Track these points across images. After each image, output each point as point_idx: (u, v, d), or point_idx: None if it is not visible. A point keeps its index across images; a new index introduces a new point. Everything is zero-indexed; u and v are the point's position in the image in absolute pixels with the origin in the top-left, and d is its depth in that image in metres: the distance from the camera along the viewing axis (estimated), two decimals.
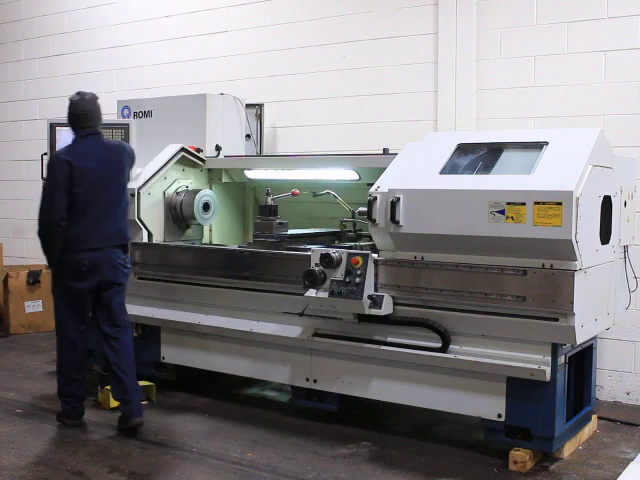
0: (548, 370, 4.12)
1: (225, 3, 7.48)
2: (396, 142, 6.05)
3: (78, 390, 5.01)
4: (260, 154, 6.73)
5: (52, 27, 8.86)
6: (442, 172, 4.42)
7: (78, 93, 4.89)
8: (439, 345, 4.42)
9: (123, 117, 6.36)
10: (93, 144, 4.86)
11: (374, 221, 4.49)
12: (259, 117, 6.79)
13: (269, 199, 5.35)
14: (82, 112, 4.81)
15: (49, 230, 4.77)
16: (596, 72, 5.63)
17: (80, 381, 5.01)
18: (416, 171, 4.54)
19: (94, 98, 4.89)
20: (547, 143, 4.29)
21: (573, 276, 3.94)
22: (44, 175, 5.04)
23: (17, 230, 9.08)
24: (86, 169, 4.75)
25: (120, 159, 4.93)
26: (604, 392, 5.69)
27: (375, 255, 4.55)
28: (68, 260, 4.79)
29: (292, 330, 4.95)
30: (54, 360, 6.79)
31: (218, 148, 6.13)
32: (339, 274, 4.53)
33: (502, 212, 4.05)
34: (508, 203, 4.03)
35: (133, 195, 5.45)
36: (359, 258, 4.49)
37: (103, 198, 4.80)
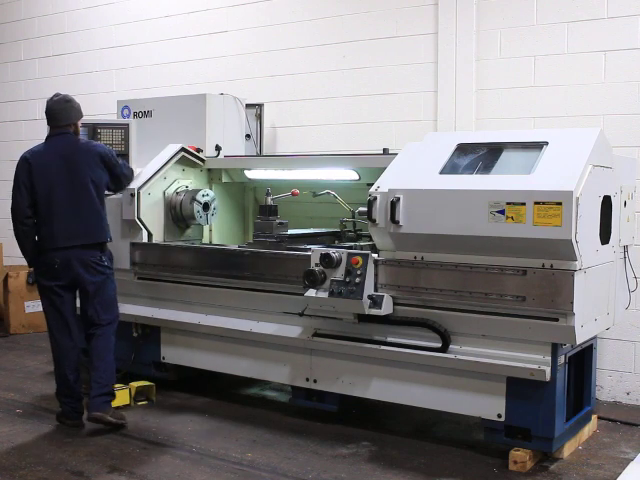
0: (548, 370, 4.12)
1: (225, 3, 7.47)
2: (396, 142, 6.05)
3: (74, 390, 5.01)
4: (260, 154, 6.73)
5: (52, 27, 8.86)
6: (442, 172, 4.42)
7: (55, 94, 5.04)
8: (439, 345, 4.42)
9: (123, 117, 6.36)
10: (57, 143, 4.94)
11: (374, 221, 4.48)
12: (259, 117, 6.79)
13: (269, 199, 5.35)
14: (47, 112, 4.97)
15: (16, 229, 4.93)
16: (596, 72, 5.62)
17: (74, 380, 5.00)
18: (416, 171, 4.54)
19: (63, 99, 4.99)
20: (547, 143, 4.29)
21: (573, 276, 3.94)
22: None
23: None
24: (44, 168, 4.87)
25: (85, 158, 4.93)
26: (604, 392, 5.69)
27: (375, 255, 4.55)
28: (42, 259, 4.92)
29: (292, 330, 4.95)
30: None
31: (218, 148, 6.13)
32: (339, 274, 4.52)
33: (502, 212, 4.05)
34: (508, 203, 4.03)
35: (133, 195, 5.45)
36: (359, 258, 4.49)
37: (65, 197, 4.86)
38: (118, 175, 5.15)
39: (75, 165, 4.90)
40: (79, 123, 5.08)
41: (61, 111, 4.96)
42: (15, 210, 4.93)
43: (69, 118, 4.98)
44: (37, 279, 5.03)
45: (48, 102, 5.00)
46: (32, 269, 5.12)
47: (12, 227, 4.95)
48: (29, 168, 4.89)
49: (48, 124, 5.00)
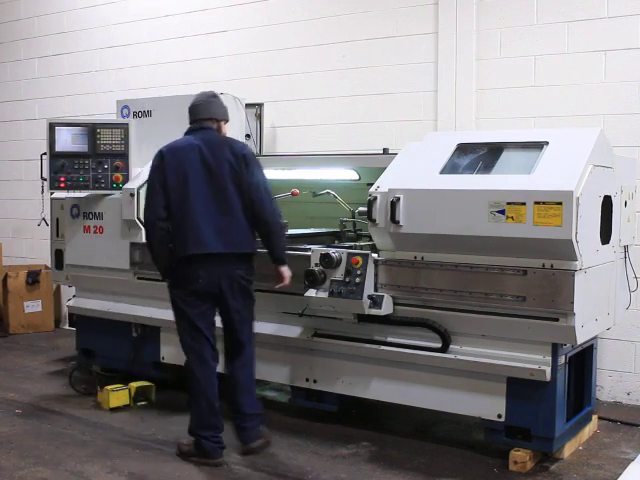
0: (548, 370, 4.12)
1: (223, 3, 7.47)
2: (396, 142, 6.04)
3: (220, 420, 4.42)
4: (260, 154, 6.71)
5: (51, 27, 8.84)
6: (442, 172, 4.41)
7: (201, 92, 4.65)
8: (439, 345, 4.41)
9: (122, 117, 6.33)
10: (196, 137, 4.44)
11: (374, 221, 4.48)
12: (259, 117, 6.78)
13: None
14: (189, 107, 4.55)
15: (151, 234, 4.40)
16: (596, 72, 5.62)
17: (220, 407, 4.42)
18: (416, 171, 4.53)
19: (206, 94, 4.59)
20: (547, 143, 4.28)
21: (573, 276, 3.93)
22: None
23: (16, 230, 9.06)
24: (179, 163, 4.35)
25: (227, 156, 4.37)
26: (604, 392, 5.69)
27: (375, 255, 4.55)
28: (181, 270, 4.37)
29: (292, 330, 4.95)
30: (54, 360, 6.85)
31: None
32: (339, 274, 4.52)
33: (502, 212, 4.04)
34: (508, 203, 4.03)
35: (133, 195, 5.44)
36: (359, 258, 4.49)
37: (204, 199, 4.33)
38: (257, 185, 4.40)
39: (214, 164, 4.36)
40: (224, 125, 4.59)
41: (202, 104, 4.53)
42: (149, 212, 4.39)
43: (210, 112, 4.51)
44: (173, 293, 4.46)
45: (193, 99, 4.59)
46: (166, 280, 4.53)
47: (145, 234, 4.50)
48: (163, 164, 4.37)
49: (190, 120, 4.57)
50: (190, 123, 4.57)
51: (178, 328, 4.52)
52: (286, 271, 4.53)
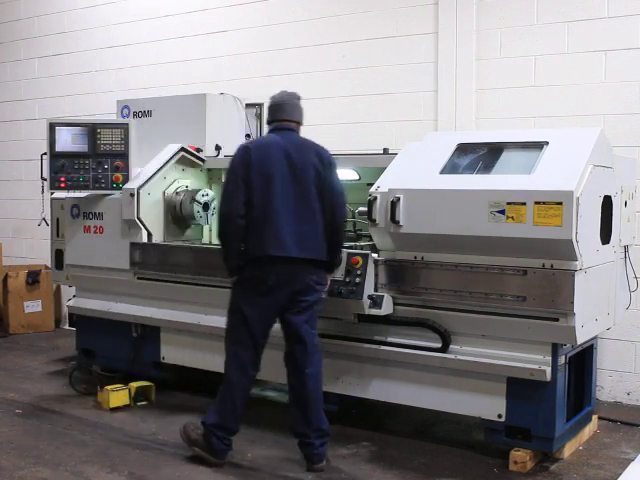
0: (548, 370, 4.12)
1: (223, 3, 7.47)
2: (396, 142, 6.03)
3: (236, 424, 4.35)
4: None
5: (51, 27, 8.85)
6: (442, 172, 4.42)
7: (281, 91, 4.58)
8: (439, 345, 4.41)
9: (122, 117, 6.34)
10: (283, 137, 4.36)
11: (374, 221, 4.48)
12: (259, 117, 6.78)
13: None
14: (276, 104, 4.47)
15: (227, 229, 4.25)
16: (596, 72, 5.62)
17: (241, 413, 4.36)
18: (416, 171, 4.53)
19: (295, 95, 4.53)
20: (547, 143, 4.28)
21: (573, 276, 3.93)
22: None
23: (16, 230, 9.07)
24: (267, 162, 4.25)
25: (313, 161, 4.30)
26: (604, 392, 5.69)
27: (375, 255, 4.55)
28: (251, 271, 4.25)
29: None
30: (54, 360, 6.84)
31: (218, 148, 6.12)
32: (339, 274, 4.52)
33: (502, 212, 4.05)
34: (508, 203, 4.03)
35: (133, 195, 5.44)
36: (359, 258, 4.49)
37: (287, 200, 4.24)
38: (339, 193, 4.36)
39: (300, 166, 4.28)
40: (300, 129, 4.53)
41: (292, 105, 4.47)
42: (228, 207, 4.23)
43: (295, 115, 4.46)
44: (237, 292, 4.35)
45: (276, 96, 4.51)
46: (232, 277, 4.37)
47: (218, 226, 4.34)
48: (249, 160, 4.24)
49: (272, 118, 4.48)
50: (271, 120, 4.48)
51: (228, 329, 4.37)
52: (330, 277, 4.48)
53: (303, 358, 4.30)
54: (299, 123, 4.50)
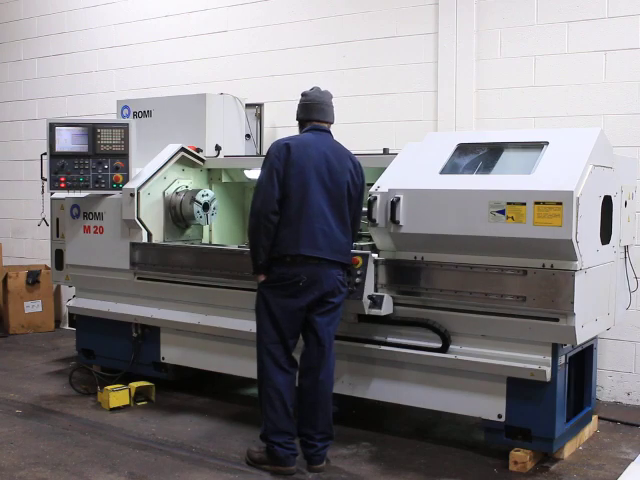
0: (548, 370, 4.12)
1: (224, 3, 7.47)
2: (396, 142, 6.04)
3: (293, 425, 4.25)
4: (260, 154, 6.71)
5: (51, 27, 8.85)
6: (442, 172, 4.42)
7: (313, 88, 4.52)
8: (439, 345, 4.41)
9: (123, 117, 6.35)
10: (321, 139, 4.33)
11: (374, 221, 4.48)
12: (259, 117, 6.79)
13: None
14: (313, 102, 4.40)
15: (258, 225, 4.15)
16: (596, 72, 5.62)
17: (293, 413, 4.25)
18: (416, 171, 4.53)
19: (330, 95, 4.50)
20: (547, 143, 4.28)
21: (573, 276, 3.93)
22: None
23: (16, 230, 9.07)
24: (305, 161, 4.18)
25: (347, 165, 4.33)
26: (604, 392, 5.68)
27: (375, 255, 4.55)
28: (280, 270, 4.19)
29: None
30: (54, 360, 6.85)
31: (218, 148, 6.12)
32: None
33: (502, 212, 4.05)
34: (508, 203, 4.03)
35: (133, 195, 5.44)
36: (359, 258, 4.48)
37: (321, 202, 4.20)
38: (362, 204, 4.43)
39: (337, 170, 4.27)
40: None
41: (329, 106, 4.44)
42: (262, 202, 4.14)
43: (331, 116, 4.45)
44: (265, 292, 4.26)
45: (311, 94, 4.44)
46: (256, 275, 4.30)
47: (249, 220, 4.23)
48: (288, 157, 4.16)
49: (307, 117, 4.41)
50: (306, 120, 4.42)
51: (259, 332, 4.31)
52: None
53: (318, 360, 4.24)
54: (331, 124, 4.49)
